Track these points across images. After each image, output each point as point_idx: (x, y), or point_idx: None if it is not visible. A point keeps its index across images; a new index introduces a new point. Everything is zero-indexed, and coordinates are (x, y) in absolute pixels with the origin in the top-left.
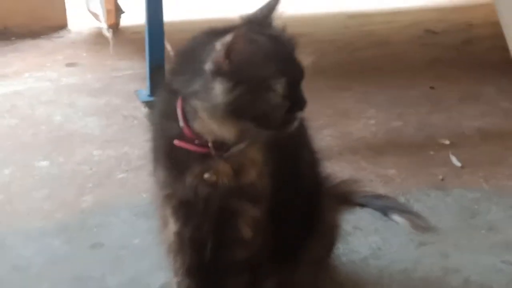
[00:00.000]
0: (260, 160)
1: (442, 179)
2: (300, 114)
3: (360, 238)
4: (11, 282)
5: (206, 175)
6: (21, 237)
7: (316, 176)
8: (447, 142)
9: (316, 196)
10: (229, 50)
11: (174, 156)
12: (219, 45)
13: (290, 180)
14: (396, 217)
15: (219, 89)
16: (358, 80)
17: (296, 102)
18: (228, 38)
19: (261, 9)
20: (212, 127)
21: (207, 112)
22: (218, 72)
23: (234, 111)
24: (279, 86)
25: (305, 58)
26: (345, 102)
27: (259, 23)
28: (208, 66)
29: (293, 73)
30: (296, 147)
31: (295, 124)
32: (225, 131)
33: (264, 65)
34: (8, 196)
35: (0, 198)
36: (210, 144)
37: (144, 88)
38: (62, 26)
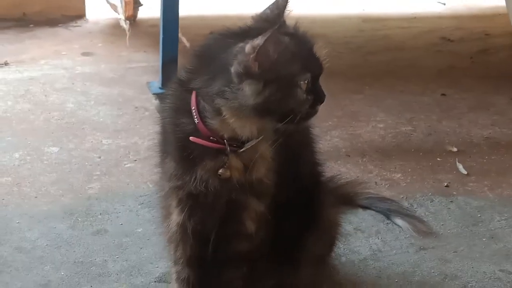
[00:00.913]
0: (269, 156)
1: (447, 186)
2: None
3: (361, 239)
4: (15, 263)
5: (220, 171)
6: (27, 220)
7: (316, 175)
8: (455, 149)
9: (316, 193)
10: (259, 53)
11: (186, 151)
12: (249, 47)
13: (291, 177)
14: (398, 220)
15: (249, 91)
16: (369, 84)
17: (317, 96)
18: (259, 41)
19: (271, 9)
20: (235, 125)
21: (233, 110)
22: (247, 74)
23: (262, 110)
24: (304, 82)
25: (322, 51)
26: (356, 104)
27: (277, 23)
28: (234, 68)
29: (315, 68)
30: (299, 146)
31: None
32: (247, 128)
33: (291, 64)
34: (17, 179)
35: (8, 180)
36: (226, 141)
37: (156, 80)
38: (80, 15)
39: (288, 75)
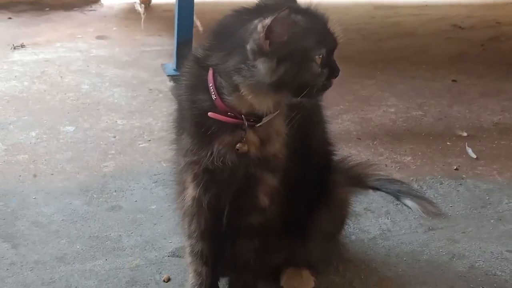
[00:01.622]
0: (284, 131)
1: (456, 169)
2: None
3: (371, 219)
4: (31, 236)
5: (238, 145)
6: (43, 196)
7: (328, 154)
8: (465, 134)
9: (327, 172)
10: (268, 32)
11: (203, 126)
12: (260, 27)
13: (302, 153)
14: (408, 201)
15: (263, 68)
16: (381, 69)
17: (332, 69)
18: (267, 21)
19: None
20: (253, 101)
21: (251, 87)
22: (260, 52)
23: (278, 85)
24: (319, 57)
25: (336, 27)
26: (367, 89)
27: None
28: (250, 45)
29: (330, 43)
30: (311, 124)
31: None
32: (264, 104)
33: (306, 40)
34: (33, 157)
35: (25, 158)
36: (243, 116)
37: (171, 63)
38: (95, 0)
39: (303, 50)
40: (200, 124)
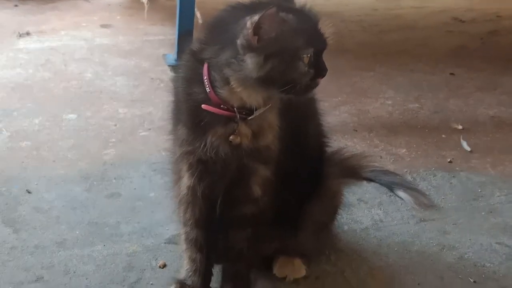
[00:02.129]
0: (276, 123)
1: (450, 162)
2: (320, 81)
3: (364, 210)
4: (32, 222)
5: (231, 137)
6: (45, 182)
7: (321, 146)
8: (460, 127)
9: (319, 162)
10: (257, 29)
11: (198, 118)
12: (249, 23)
13: (295, 145)
14: (401, 193)
15: (251, 63)
16: (380, 61)
17: (319, 70)
18: (256, 17)
19: None
20: (242, 94)
21: (239, 81)
22: (249, 47)
23: (265, 81)
24: (307, 56)
25: (327, 28)
26: (365, 81)
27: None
28: (240, 40)
29: (319, 44)
30: (304, 117)
31: (315, 89)
32: (253, 98)
33: (293, 38)
34: (36, 144)
35: (28, 145)
36: (235, 109)
37: (172, 53)
38: None
39: (291, 49)
40: (195, 115)
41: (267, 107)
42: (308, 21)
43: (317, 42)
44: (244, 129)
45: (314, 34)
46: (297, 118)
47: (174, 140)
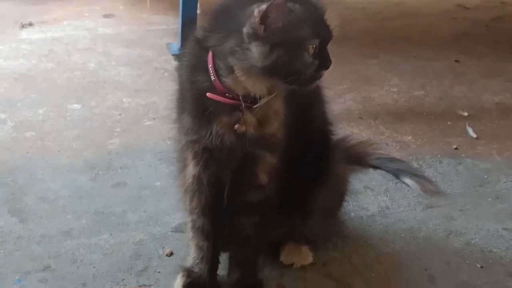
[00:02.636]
0: (282, 111)
1: (456, 148)
2: (324, 73)
3: (370, 197)
4: (39, 211)
5: (236, 126)
6: (50, 172)
7: (326, 132)
8: (466, 113)
9: (324, 149)
10: (264, 18)
11: (203, 106)
12: (256, 11)
13: (301, 131)
14: (407, 180)
15: (256, 52)
16: (384, 49)
17: (323, 61)
18: (263, 6)
19: None
20: (246, 83)
21: (244, 70)
22: (255, 36)
23: (270, 70)
24: (312, 47)
25: (333, 20)
26: (370, 69)
27: None
28: (246, 29)
29: (324, 35)
30: (310, 104)
31: (319, 80)
32: (257, 87)
33: (300, 29)
34: (41, 134)
35: (33, 135)
36: (240, 98)
37: (175, 42)
38: None
39: (297, 39)
40: (200, 104)
41: (271, 96)
42: (314, 12)
43: (323, 33)
44: (249, 117)
45: (320, 25)
46: (302, 104)
47: (179, 128)
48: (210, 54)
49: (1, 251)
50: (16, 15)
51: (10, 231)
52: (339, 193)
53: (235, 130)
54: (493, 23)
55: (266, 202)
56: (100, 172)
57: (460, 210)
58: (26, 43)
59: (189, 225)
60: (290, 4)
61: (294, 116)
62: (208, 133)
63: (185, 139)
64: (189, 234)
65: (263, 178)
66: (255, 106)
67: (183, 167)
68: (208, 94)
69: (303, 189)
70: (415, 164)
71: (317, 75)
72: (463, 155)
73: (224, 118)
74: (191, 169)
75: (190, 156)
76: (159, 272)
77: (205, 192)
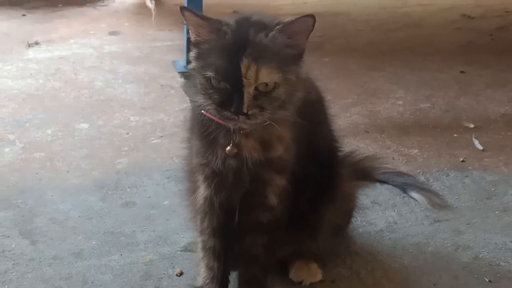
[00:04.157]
0: (288, 136)
1: (463, 161)
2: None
3: (378, 212)
4: (49, 233)
5: (228, 148)
6: (60, 193)
7: (333, 150)
8: (472, 125)
9: (332, 167)
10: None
11: (204, 128)
12: None
13: (308, 152)
14: (414, 194)
15: None
16: (389, 61)
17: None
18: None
19: None
20: None
21: None
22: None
23: None
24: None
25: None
26: (375, 81)
27: None
28: None
29: (223, 74)
30: (315, 124)
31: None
32: None
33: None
34: (50, 154)
35: (42, 155)
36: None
37: (181, 59)
38: None
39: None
40: (202, 125)
41: (262, 121)
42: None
43: (223, 72)
44: (245, 141)
45: (226, 64)
46: (308, 125)
47: (189, 149)
48: None
49: (13, 273)
50: (23, 34)
51: (21, 253)
52: (347, 210)
53: (227, 153)
54: (498, 33)
55: (275, 222)
56: (109, 192)
57: (467, 224)
58: (33, 62)
59: (200, 245)
60: (224, 28)
61: (302, 136)
62: (214, 157)
63: (195, 162)
64: (200, 254)
65: (273, 200)
66: (242, 129)
67: (194, 188)
68: (202, 111)
69: (311, 207)
70: (422, 178)
71: (218, 113)
72: (470, 167)
73: (222, 141)
74: (202, 191)
75: (201, 178)
76: None
77: (216, 214)
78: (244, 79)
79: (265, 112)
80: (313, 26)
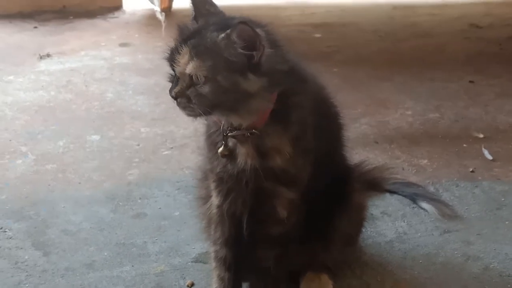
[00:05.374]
0: (287, 150)
1: (473, 171)
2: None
3: (388, 222)
4: (62, 244)
5: (220, 150)
6: (72, 204)
7: (346, 164)
8: (481, 135)
9: (345, 180)
10: None
11: (208, 131)
12: None
13: (325, 166)
14: (424, 204)
15: None
16: (398, 71)
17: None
18: None
19: None
20: None
21: None
22: None
23: None
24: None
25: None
26: (384, 91)
27: None
28: None
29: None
30: (334, 138)
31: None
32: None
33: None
34: (61, 166)
35: (54, 167)
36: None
37: None
38: (117, 6)
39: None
40: (207, 129)
41: (190, 114)
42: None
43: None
44: (244, 147)
45: (175, 51)
46: (327, 139)
47: (204, 156)
48: None
49: (27, 285)
50: (34, 46)
51: (34, 265)
52: (359, 220)
53: (220, 154)
54: (507, 42)
55: (286, 234)
56: (120, 203)
57: (477, 234)
58: (44, 75)
59: (212, 255)
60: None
61: (319, 153)
62: (216, 162)
63: (207, 168)
64: (212, 264)
65: (282, 212)
66: (230, 134)
67: (207, 196)
68: None
69: (325, 218)
70: (431, 188)
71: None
72: (480, 177)
73: (219, 143)
74: (214, 199)
75: (212, 185)
76: None
77: (227, 223)
78: (174, 64)
79: (192, 105)
80: (252, 35)
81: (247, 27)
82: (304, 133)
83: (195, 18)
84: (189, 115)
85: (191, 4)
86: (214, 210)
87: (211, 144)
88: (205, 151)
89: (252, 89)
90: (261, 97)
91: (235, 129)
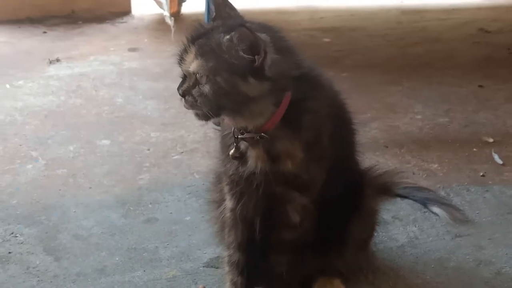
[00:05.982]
0: (299, 155)
1: (483, 175)
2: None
3: (399, 227)
4: (73, 249)
5: (231, 152)
6: (83, 209)
7: (359, 169)
8: (491, 140)
9: (359, 186)
10: None
11: (222, 133)
12: None
13: (339, 174)
14: (435, 209)
15: None
16: (407, 75)
17: None
18: None
19: None
20: None
21: None
22: None
23: None
24: None
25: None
26: (394, 96)
27: None
28: None
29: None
30: (349, 144)
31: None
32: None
33: None
34: (72, 171)
35: (64, 172)
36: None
37: None
38: (126, 12)
39: None
40: (222, 131)
41: (197, 112)
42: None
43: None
44: (255, 150)
45: (183, 50)
46: (342, 145)
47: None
48: None
49: None
50: (44, 51)
51: (46, 270)
52: (371, 224)
53: (235, 158)
54: None
55: (299, 239)
56: (131, 208)
57: (489, 239)
58: (54, 79)
59: (225, 259)
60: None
61: (335, 159)
62: (229, 164)
63: (221, 170)
64: (225, 268)
65: (295, 217)
66: (241, 136)
67: (220, 200)
68: None
69: (339, 224)
70: (442, 193)
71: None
72: (490, 182)
73: (231, 146)
74: (228, 202)
75: (226, 188)
76: None
77: (240, 227)
78: (182, 62)
79: (196, 103)
80: (252, 39)
81: (247, 31)
82: (318, 139)
83: (215, 19)
84: (197, 114)
85: (212, 5)
86: (228, 214)
87: (224, 146)
88: (219, 153)
89: (252, 93)
90: (263, 101)
91: (245, 131)
